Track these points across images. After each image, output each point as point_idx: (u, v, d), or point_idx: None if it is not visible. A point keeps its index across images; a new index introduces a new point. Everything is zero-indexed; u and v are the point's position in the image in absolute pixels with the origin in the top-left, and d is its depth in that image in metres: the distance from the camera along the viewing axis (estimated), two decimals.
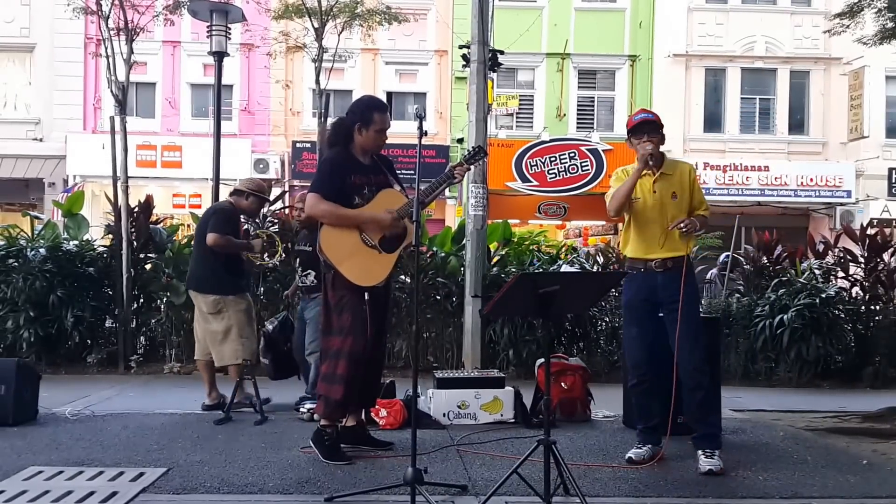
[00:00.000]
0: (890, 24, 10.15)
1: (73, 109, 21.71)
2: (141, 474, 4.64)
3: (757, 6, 22.56)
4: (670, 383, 5.07)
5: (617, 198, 5.21)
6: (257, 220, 8.97)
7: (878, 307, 10.88)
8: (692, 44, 22.28)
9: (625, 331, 5.47)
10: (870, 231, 11.10)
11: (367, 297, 5.03)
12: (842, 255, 11.11)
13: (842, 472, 5.03)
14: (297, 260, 7.20)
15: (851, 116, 21.72)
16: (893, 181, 21.96)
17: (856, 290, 10.93)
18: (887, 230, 11.93)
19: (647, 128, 5.21)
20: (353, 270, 5.04)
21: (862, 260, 10.88)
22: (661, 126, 5.27)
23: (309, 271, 6.85)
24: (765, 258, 11.11)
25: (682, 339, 5.06)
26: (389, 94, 21.82)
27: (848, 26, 10.45)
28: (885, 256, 10.93)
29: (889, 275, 10.80)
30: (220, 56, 10.40)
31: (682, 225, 5.03)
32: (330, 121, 13.22)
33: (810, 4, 22.26)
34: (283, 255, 7.48)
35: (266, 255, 7.14)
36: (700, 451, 5.06)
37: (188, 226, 13.44)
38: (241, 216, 7.29)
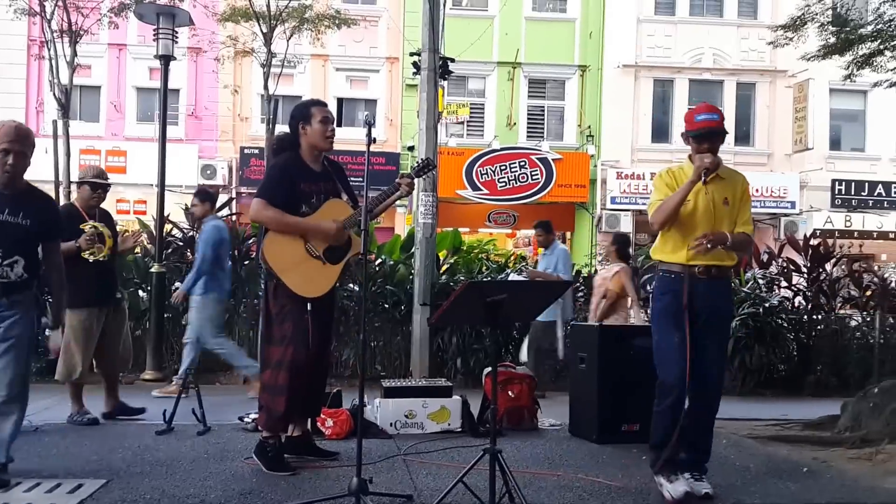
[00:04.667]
0: (832, 40, 10.35)
1: (14, 112, 21.14)
2: (79, 486, 4.53)
3: (705, 18, 22.86)
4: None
5: (665, 211, 4.70)
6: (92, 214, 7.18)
7: (819, 316, 11.08)
8: (641, 55, 22.52)
9: (661, 340, 4.81)
10: (813, 242, 11.30)
11: (309, 307, 4.97)
12: (785, 265, 11.29)
13: (783, 480, 5.09)
14: None
15: (796, 128, 22.12)
16: (836, 193, 22.37)
17: (798, 299, 11.11)
18: (830, 241, 12.16)
19: (713, 136, 4.73)
20: (296, 280, 4.97)
21: (805, 270, 11.07)
22: (726, 132, 4.84)
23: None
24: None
25: (714, 357, 4.75)
26: (340, 101, 21.76)
27: (791, 39, 10.63)
28: (828, 267, 11.14)
29: (831, 285, 11.01)
30: (166, 60, 10.28)
31: (702, 241, 4.57)
32: (279, 128, 13.18)
33: (757, 17, 22.60)
34: (113, 250, 6.90)
35: (90, 251, 6.54)
36: (690, 474, 4.70)
37: (132, 231, 13.27)
38: (87, 211, 6.78)
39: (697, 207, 4.69)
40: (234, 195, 19.45)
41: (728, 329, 4.83)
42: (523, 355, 9.60)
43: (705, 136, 4.70)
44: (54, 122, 11.05)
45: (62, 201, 10.46)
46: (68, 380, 6.68)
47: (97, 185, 6.86)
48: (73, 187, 10.80)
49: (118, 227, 7.18)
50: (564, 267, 9.35)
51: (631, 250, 9.42)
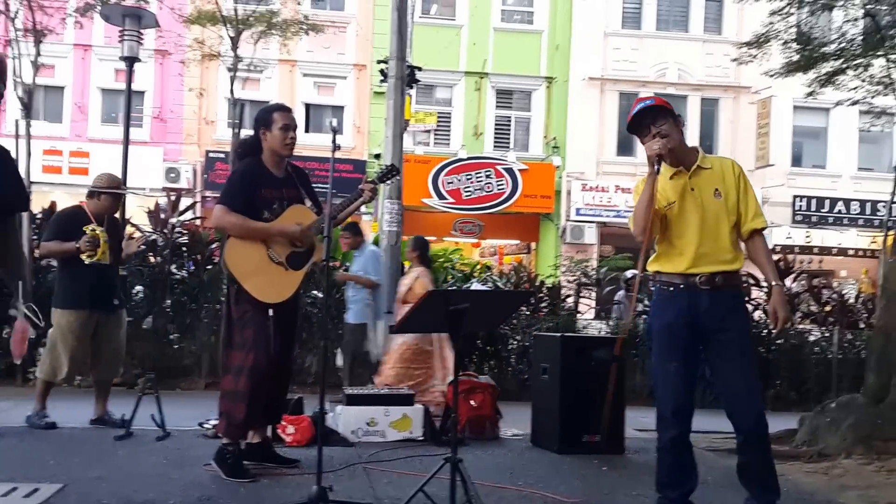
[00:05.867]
0: (796, 57, 10.51)
1: None
2: (35, 490, 4.46)
3: (670, 33, 23.08)
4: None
5: (637, 217, 4.11)
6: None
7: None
8: (607, 68, 22.67)
9: (657, 366, 4.29)
10: (773, 257, 11.42)
11: (271, 313, 4.95)
12: (745, 279, 11.39)
13: (740, 493, 5.09)
14: None
15: (758, 144, 22.39)
16: (797, 209, 22.65)
17: (758, 313, 11.22)
18: (790, 256, 12.32)
19: (650, 118, 4.13)
20: (257, 286, 4.95)
21: (765, 284, 11.18)
22: (670, 109, 4.17)
23: None
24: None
25: (739, 378, 4.11)
26: (307, 107, 21.70)
27: (755, 56, 10.77)
28: (788, 282, 11.26)
29: (791, 300, 11.13)
30: (131, 61, 10.19)
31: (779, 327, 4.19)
32: (244, 132, 13.13)
33: (721, 33, 22.86)
34: (117, 258, 6.85)
35: (87, 254, 6.49)
36: None
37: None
38: (97, 217, 6.70)
39: (685, 207, 4.13)
40: (198, 199, 19.33)
41: (748, 343, 4.22)
42: (339, 359, 9.45)
43: (639, 122, 4.15)
44: (16, 122, 10.90)
45: None
46: (52, 379, 6.62)
47: (119, 195, 6.88)
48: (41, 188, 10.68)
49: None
50: (374, 268, 9.19)
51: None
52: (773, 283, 4.17)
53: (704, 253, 4.10)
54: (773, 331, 3.82)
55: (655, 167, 4.02)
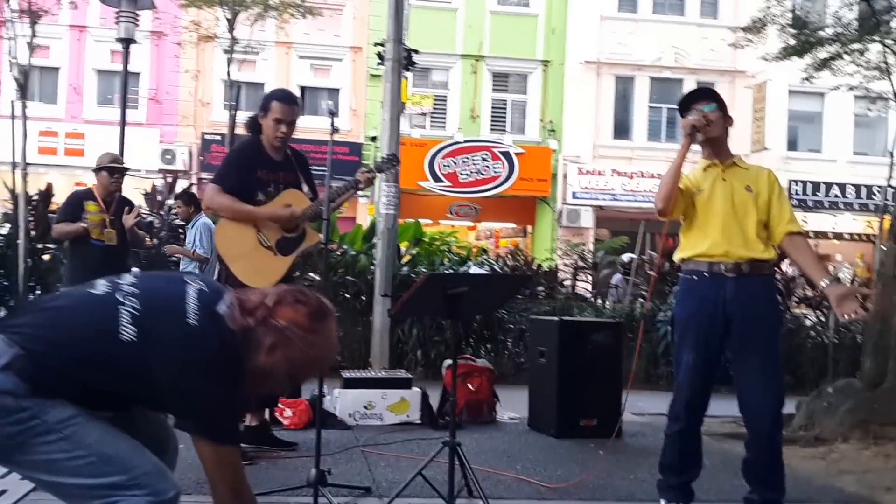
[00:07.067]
0: (792, 42, 10.50)
1: None
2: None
3: (666, 17, 23.01)
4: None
5: (663, 184, 4.08)
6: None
7: None
8: (603, 51, 22.61)
9: (677, 356, 4.17)
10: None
11: None
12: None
13: (737, 476, 5.11)
14: None
15: (754, 129, 22.35)
16: (793, 193, 22.65)
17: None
18: None
19: (696, 98, 4.29)
20: (243, 269, 4.91)
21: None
22: (719, 100, 4.31)
23: None
24: (667, 264, 11.31)
25: (757, 374, 4.02)
26: (303, 89, 21.62)
27: (751, 40, 10.74)
28: (783, 266, 11.26)
29: (786, 283, 11.15)
30: (127, 43, 10.15)
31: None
32: (241, 114, 13.10)
33: (717, 18, 22.80)
34: (112, 235, 6.85)
35: (95, 231, 6.66)
36: None
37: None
38: (105, 198, 6.87)
39: (714, 193, 4.12)
40: (194, 181, 19.29)
41: (774, 339, 4.08)
42: None
43: (685, 102, 4.31)
44: (12, 104, 10.87)
45: (19, 184, 10.27)
46: None
47: (114, 169, 6.94)
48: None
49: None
50: (201, 242, 8.69)
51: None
52: (823, 283, 3.98)
53: (729, 237, 4.00)
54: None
55: (686, 133, 4.10)
